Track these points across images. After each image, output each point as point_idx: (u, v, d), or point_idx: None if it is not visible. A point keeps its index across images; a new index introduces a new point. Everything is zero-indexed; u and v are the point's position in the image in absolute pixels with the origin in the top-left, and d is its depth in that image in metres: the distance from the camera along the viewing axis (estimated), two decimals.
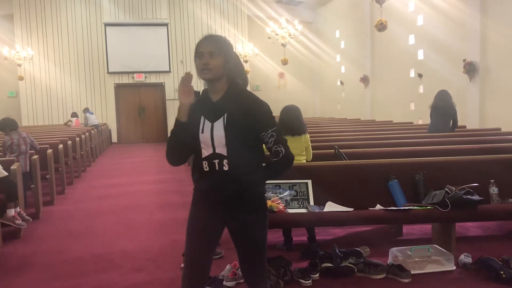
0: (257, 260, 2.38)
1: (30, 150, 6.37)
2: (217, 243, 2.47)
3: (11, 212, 4.98)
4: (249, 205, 2.31)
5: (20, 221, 5.05)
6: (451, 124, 7.09)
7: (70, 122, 13.85)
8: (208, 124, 2.25)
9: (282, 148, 2.29)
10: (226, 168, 2.22)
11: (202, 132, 2.24)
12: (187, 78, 2.22)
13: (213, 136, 2.22)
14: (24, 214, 5.36)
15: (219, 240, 2.46)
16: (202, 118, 2.26)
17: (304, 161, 4.52)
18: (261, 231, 2.37)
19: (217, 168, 2.23)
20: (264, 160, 2.35)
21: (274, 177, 2.55)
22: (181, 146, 2.30)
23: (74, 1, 17.00)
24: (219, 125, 2.22)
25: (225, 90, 2.29)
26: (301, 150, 4.47)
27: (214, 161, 2.23)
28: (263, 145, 2.33)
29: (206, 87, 2.36)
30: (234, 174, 2.22)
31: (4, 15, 16.85)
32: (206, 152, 2.24)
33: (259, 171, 2.32)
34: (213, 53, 2.23)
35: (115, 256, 4.37)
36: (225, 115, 2.23)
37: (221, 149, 2.22)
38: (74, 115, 14.23)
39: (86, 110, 14.41)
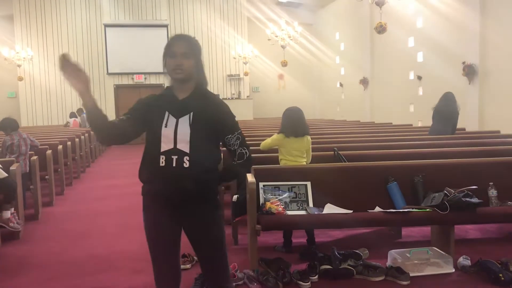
0: (219, 261, 2.37)
1: (30, 150, 6.35)
2: (179, 243, 2.43)
3: (7, 214, 4.95)
4: (205, 204, 2.31)
5: (14, 224, 5.01)
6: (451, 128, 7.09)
7: (68, 124, 13.79)
8: (172, 119, 2.23)
9: (247, 150, 2.33)
10: (186, 165, 2.18)
11: (166, 127, 2.22)
12: (64, 61, 2.11)
13: (177, 132, 2.20)
14: (17, 219, 5.20)
15: (180, 240, 2.42)
16: (167, 113, 2.24)
17: (304, 163, 4.52)
18: (218, 229, 2.36)
19: (174, 165, 2.18)
20: (219, 161, 2.35)
21: (231, 180, 2.57)
22: (103, 132, 2.28)
23: (74, 2, 17.01)
24: (185, 121, 2.22)
25: (191, 90, 2.31)
26: (302, 152, 4.49)
27: (172, 156, 2.19)
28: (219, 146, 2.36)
29: (170, 85, 2.36)
30: (193, 171, 2.19)
31: (4, 15, 16.85)
32: (166, 146, 2.20)
33: (216, 172, 2.32)
34: (186, 54, 2.25)
35: (114, 258, 4.37)
36: (191, 113, 2.24)
37: (183, 145, 2.19)
38: (73, 115, 14.10)
39: (80, 111, 14.17)
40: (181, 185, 2.20)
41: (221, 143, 2.36)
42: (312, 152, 4.65)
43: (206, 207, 2.31)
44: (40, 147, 6.87)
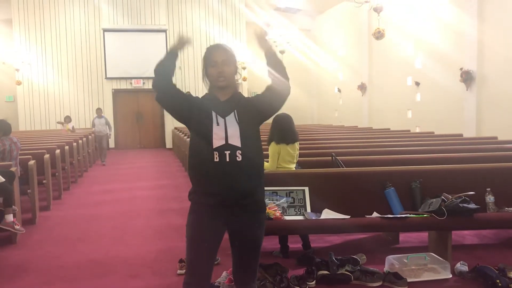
0: (252, 261, 2.45)
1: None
2: (219, 245, 2.47)
3: (10, 217, 4.96)
4: (255, 205, 2.41)
5: (19, 226, 5.04)
6: None
7: (62, 126, 13.38)
8: (220, 118, 2.36)
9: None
10: (239, 158, 2.30)
11: (218, 125, 2.34)
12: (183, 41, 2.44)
13: (227, 128, 2.33)
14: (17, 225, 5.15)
15: (220, 243, 2.46)
16: (213, 113, 2.37)
17: (294, 168, 4.53)
18: (262, 231, 2.46)
19: (227, 159, 2.29)
20: (262, 154, 2.50)
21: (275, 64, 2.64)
22: (168, 77, 2.39)
23: (73, 7, 17.03)
24: (232, 119, 2.36)
25: (231, 93, 2.46)
26: (292, 157, 4.50)
27: (225, 152, 2.30)
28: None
29: (209, 91, 2.49)
30: (246, 164, 2.31)
31: (3, 20, 16.86)
32: (217, 143, 2.31)
33: (263, 167, 2.49)
34: (226, 61, 2.40)
35: (111, 262, 4.36)
36: (235, 111, 2.39)
37: (234, 140, 2.31)
38: (68, 119, 13.53)
39: (68, 118, 13.39)
40: (236, 179, 2.30)
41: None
42: (310, 157, 4.66)
43: (255, 206, 2.42)
44: (37, 152, 6.85)
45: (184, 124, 2.50)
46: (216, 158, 2.29)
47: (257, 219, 2.42)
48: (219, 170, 2.30)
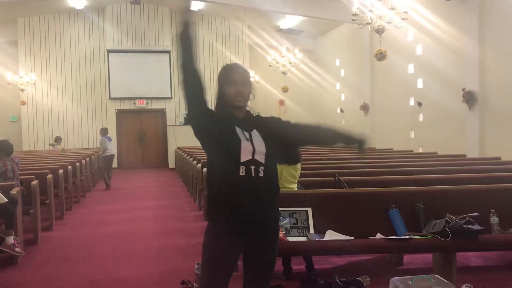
0: (265, 282, 2.44)
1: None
2: (236, 265, 2.46)
3: (10, 239, 4.94)
4: (274, 223, 2.43)
5: (19, 249, 5.01)
6: None
7: (52, 147, 13.27)
8: (246, 133, 2.37)
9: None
10: (261, 174, 2.32)
11: (247, 140, 2.35)
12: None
13: (254, 144, 2.34)
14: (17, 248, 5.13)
15: (237, 263, 2.46)
16: (237, 128, 2.37)
17: (296, 188, 4.53)
18: (276, 251, 2.45)
19: (253, 174, 2.30)
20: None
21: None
22: (193, 56, 2.42)
23: (78, 28, 17.26)
24: (256, 134, 2.39)
25: (245, 113, 2.48)
26: (294, 177, 4.50)
27: (251, 167, 2.31)
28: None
29: (218, 110, 2.46)
30: (268, 180, 2.35)
31: (9, 41, 17.05)
32: (245, 157, 2.31)
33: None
34: (244, 82, 2.41)
35: (113, 284, 4.32)
36: (255, 128, 2.42)
37: (259, 156, 2.34)
38: (58, 140, 13.55)
39: (59, 139, 13.44)
40: (261, 194, 2.32)
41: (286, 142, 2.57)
42: (313, 177, 4.66)
43: (272, 228, 2.42)
44: (40, 172, 6.86)
45: (202, 129, 2.41)
46: (242, 172, 2.29)
47: (273, 240, 2.43)
48: (246, 184, 2.30)
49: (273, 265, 2.44)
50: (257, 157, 2.32)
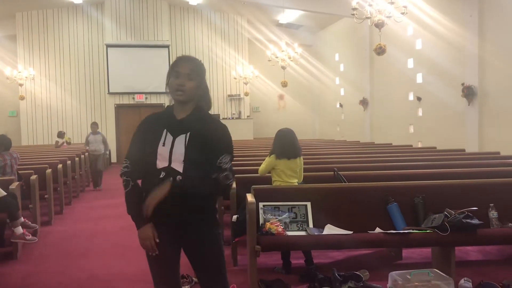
0: (218, 280, 2.37)
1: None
2: (178, 262, 2.44)
3: (19, 230, 4.99)
4: (203, 223, 2.32)
5: (31, 236, 5.09)
6: None
7: (58, 142, 13.18)
8: (169, 137, 2.26)
9: (232, 179, 2.29)
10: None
11: (163, 146, 2.24)
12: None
13: (172, 151, 2.23)
14: (29, 222, 5.51)
15: (179, 260, 2.43)
16: (165, 131, 2.27)
17: (296, 182, 4.54)
18: (218, 248, 2.36)
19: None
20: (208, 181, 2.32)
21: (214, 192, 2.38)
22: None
23: (77, 22, 17.21)
24: (181, 141, 2.25)
25: (190, 111, 2.32)
26: (294, 172, 4.52)
27: (170, 173, 2.22)
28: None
29: (170, 105, 2.39)
30: (185, 192, 2.20)
31: (7, 35, 17.03)
32: (160, 164, 2.23)
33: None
34: (190, 75, 2.28)
35: (113, 278, 4.34)
36: (188, 133, 2.26)
37: (177, 165, 2.22)
38: (61, 135, 13.23)
39: (62, 134, 13.16)
40: (180, 199, 2.20)
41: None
42: (312, 172, 4.66)
43: (204, 226, 2.32)
44: (39, 166, 6.86)
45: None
46: (162, 175, 2.22)
47: (208, 237, 2.33)
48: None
49: (215, 264, 2.35)
50: (174, 165, 2.21)
